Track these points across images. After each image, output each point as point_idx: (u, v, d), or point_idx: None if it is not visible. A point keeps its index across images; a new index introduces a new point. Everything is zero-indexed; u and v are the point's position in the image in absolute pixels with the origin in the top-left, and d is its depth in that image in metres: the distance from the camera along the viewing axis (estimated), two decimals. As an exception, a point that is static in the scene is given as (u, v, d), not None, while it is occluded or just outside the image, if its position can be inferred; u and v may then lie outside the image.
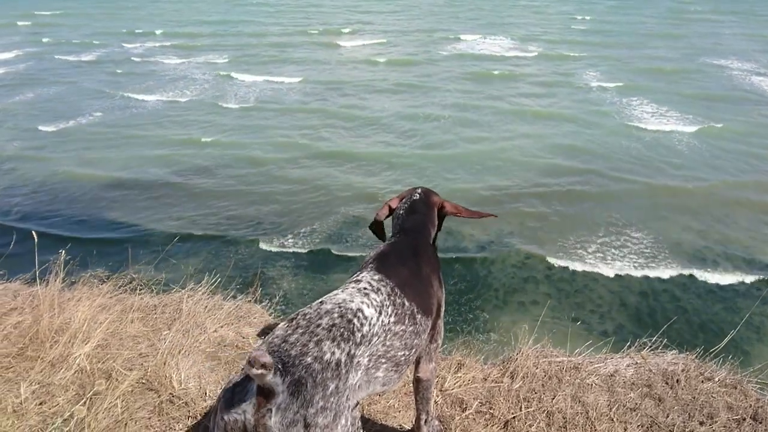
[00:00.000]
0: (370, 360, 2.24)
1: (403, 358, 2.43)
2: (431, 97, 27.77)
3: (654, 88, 29.57)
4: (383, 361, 2.34)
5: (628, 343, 4.09)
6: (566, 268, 13.59)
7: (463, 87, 29.52)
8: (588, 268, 13.55)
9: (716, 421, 3.41)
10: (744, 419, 3.45)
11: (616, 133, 23.02)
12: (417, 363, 2.83)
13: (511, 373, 3.74)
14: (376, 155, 20.63)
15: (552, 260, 13.80)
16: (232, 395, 1.95)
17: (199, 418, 3.28)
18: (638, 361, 3.88)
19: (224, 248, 14.32)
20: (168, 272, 5.04)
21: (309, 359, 1.95)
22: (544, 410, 3.46)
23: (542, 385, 3.65)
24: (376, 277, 2.49)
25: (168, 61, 37.20)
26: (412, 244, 2.84)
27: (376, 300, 2.34)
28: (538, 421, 3.39)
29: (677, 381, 3.72)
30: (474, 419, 3.42)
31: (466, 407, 3.49)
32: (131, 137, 22.77)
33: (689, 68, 33.70)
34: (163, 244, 11.08)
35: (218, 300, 4.36)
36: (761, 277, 13.17)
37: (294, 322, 2.11)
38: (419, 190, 3.15)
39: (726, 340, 4.18)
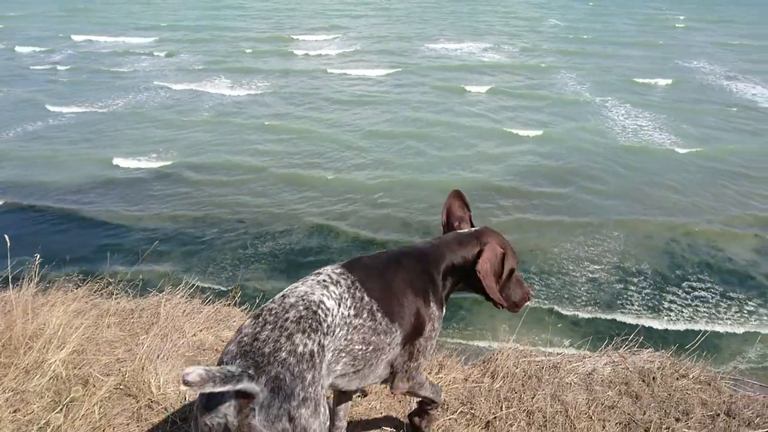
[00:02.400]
0: (332, 354, 2.24)
1: (360, 353, 2.39)
2: (393, 112, 26.51)
3: (634, 99, 29.99)
4: (343, 355, 2.32)
5: (606, 342, 4.14)
6: (545, 269, 13.75)
7: (432, 99, 28.84)
8: (565, 269, 13.72)
9: (691, 417, 3.47)
10: (718, 415, 3.51)
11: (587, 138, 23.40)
12: (393, 377, 2.66)
13: (491, 373, 3.76)
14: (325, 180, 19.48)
15: (530, 261, 13.95)
16: (208, 400, 1.92)
17: (178, 423, 3.23)
18: (616, 360, 3.93)
19: (203, 252, 14.19)
20: (145, 276, 4.97)
21: (284, 354, 1.96)
22: (525, 410, 3.48)
23: (522, 384, 3.67)
24: (337, 271, 2.47)
25: (123, 69, 35.58)
26: (398, 256, 2.71)
27: (335, 292, 2.32)
28: (518, 420, 3.41)
29: (653, 378, 3.78)
30: (456, 420, 3.42)
31: (447, 408, 3.49)
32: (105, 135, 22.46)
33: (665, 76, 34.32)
34: (141, 248, 10.95)
35: (197, 304, 4.31)
36: (732, 275, 13.47)
37: (260, 319, 2.10)
38: (475, 228, 2.94)
39: (700, 337, 4.26)
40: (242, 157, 20.55)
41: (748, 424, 3.46)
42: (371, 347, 2.43)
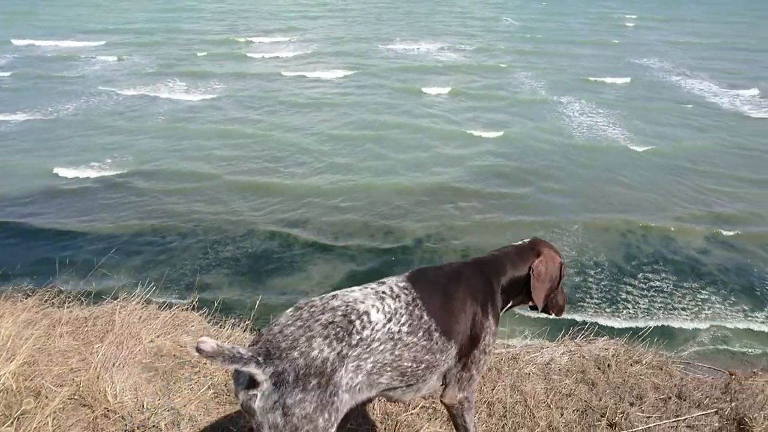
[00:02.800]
0: (374, 366, 2.28)
1: (409, 370, 2.42)
2: (352, 115, 26.32)
3: (596, 98, 30.76)
4: (388, 369, 2.35)
5: (563, 332, 4.27)
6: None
7: (391, 101, 28.72)
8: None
9: (645, 401, 3.63)
10: (670, 398, 3.68)
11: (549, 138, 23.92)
12: (445, 387, 2.72)
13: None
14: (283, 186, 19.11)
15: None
16: (236, 377, 2.16)
17: (136, 431, 3.19)
18: (572, 349, 4.06)
19: (158, 261, 13.91)
20: (99, 283, 4.87)
21: (296, 354, 2.07)
22: (485, 401, 3.57)
23: (483, 376, 3.76)
24: (401, 284, 2.49)
25: (70, 74, 34.31)
26: (461, 269, 2.75)
27: (390, 306, 2.36)
28: (480, 412, 3.50)
29: (608, 366, 3.94)
30: (418, 415, 3.49)
31: (410, 403, 3.55)
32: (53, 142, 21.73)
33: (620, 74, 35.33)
34: (93, 259, 10.65)
35: (153, 309, 4.26)
36: (685, 267, 13.98)
37: (298, 312, 2.23)
38: (528, 239, 3.00)
39: (654, 326, 4.43)
40: (197, 164, 20.16)
41: (698, 405, 3.64)
42: (423, 365, 2.47)
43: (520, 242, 2.98)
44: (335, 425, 2.17)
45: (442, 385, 2.70)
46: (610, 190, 18.50)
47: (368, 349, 2.25)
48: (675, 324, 11.76)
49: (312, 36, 47.09)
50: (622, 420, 3.45)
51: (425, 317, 2.43)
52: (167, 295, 4.60)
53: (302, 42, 44.28)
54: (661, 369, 3.96)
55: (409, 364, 2.41)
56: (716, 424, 3.48)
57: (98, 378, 3.47)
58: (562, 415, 3.49)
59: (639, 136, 23.43)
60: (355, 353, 2.20)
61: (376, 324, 2.28)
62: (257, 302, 4.54)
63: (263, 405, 2.06)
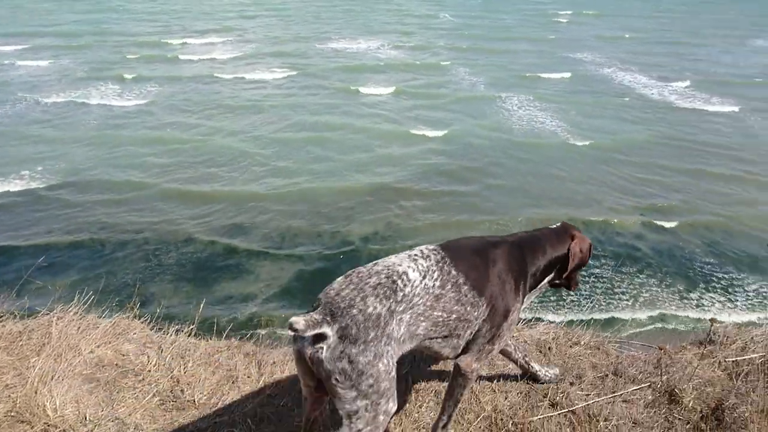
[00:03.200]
0: (411, 317, 2.63)
1: (440, 320, 2.76)
2: (292, 117, 26.00)
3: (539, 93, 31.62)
4: (422, 319, 2.69)
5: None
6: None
7: (332, 102, 28.67)
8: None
9: (584, 380, 3.83)
10: (607, 375, 3.90)
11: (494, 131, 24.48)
12: (464, 352, 3.01)
13: (399, 360, 3.93)
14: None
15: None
16: (298, 336, 2.47)
17: (79, 444, 3.15)
18: (515, 334, 4.23)
19: (96, 269, 13.45)
20: (33, 298, 4.73)
21: (355, 311, 2.44)
22: (432, 390, 3.69)
23: (428, 365, 3.88)
24: (431, 247, 2.88)
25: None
26: (499, 241, 3.08)
27: (422, 265, 2.73)
28: (427, 401, 3.62)
29: (549, 348, 4.14)
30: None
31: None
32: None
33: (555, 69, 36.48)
34: (25, 271, 10.19)
35: (93, 319, 4.17)
36: (623, 255, 14.63)
37: (348, 278, 2.58)
38: (560, 223, 3.42)
39: (593, 308, 4.67)
40: (132, 173, 19.51)
41: (633, 380, 3.87)
42: (453, 315, 2.80)
43: (553, 226, 3.36)
44: (393, 370, 2.54)
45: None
46: (551, 184, 19.10)
47: (410, 304, 2.61)
48: (615, 307, 12.33)
49: (249, 36, 46.49)
50: (563, 399, 3.63)
51: (453, 272, 2.78)
52: (107, 304, 4.49)
53: (239, 42, 43.66)
54: (599, 349, 4.19)
55: (440, 314, 2.75)
56: (650, 397, 3.71)
57: (36, 393, 3.39)
58: (506, 398, 3.65)
59: (577, 129, 24.31)
60: (400, 308, 2.57)
61: (414, 281, 2.65)
62: (201, 306, 4.52)
63: (330, 356, 2.40)
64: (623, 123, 25.78)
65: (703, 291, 13.12)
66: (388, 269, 2.63)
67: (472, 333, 2.92)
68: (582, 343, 4.21)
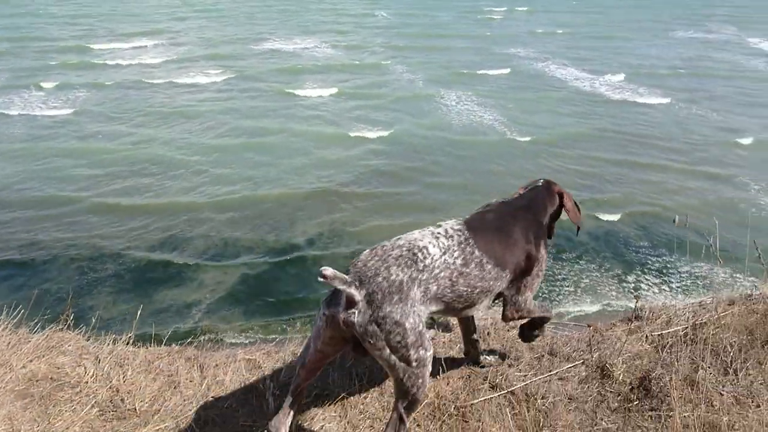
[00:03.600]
0: (437, 288, 2.99)
1: (465, 293, 3.14)
2: (228, 123, 25.35)
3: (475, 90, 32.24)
4: (448, 291, 3.05)
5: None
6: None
7: (270, 105, 28.33)
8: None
9: (522, 362, 4.04)
10: (543, 356, 4.12)
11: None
12: (503, 308, 3.55)
13: (342, 353, 4.03)
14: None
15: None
16: (330, 299, 2.87)
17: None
18: (454, 323, 4.40)
19: (25, 282, 12.87)
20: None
21: (380, 279, 2.79)
22: (375, 382, 3.80)
23: (371, 358, 3.98)
24: (456, 226, 3.23)
25: None
26: (516, 208, 3.56)
27: (444, 243, 3.08)
28: (370, 392, 3.73)
29: (488, 334, 4.33)
30: (312, 402, 3.64)
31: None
32: None
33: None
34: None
35: (24, 334, 4.06)
36: (564, 241, 15.16)
37: (374, 251, 2.94)
38: (542, 179, 3.83)
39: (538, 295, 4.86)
40: (59, 186, 18.62)
41: (567, 358, 4.10)
42: (477, 290, 3.20)
43: (539, 183, 3.78)
44: (419, 325, 2.85)
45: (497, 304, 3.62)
46: (491, 179, 19.50)
47: (432, 275, 2.96)
48: (557, 294, 12.82)
49: (181, 38, 45.39)
50: (503, 381, 3.82)
51: (477, 252, 3.15)
52: (39, 318, 4.36)
53: (171, 45, 42.57)
54: (535, 331, 4.40)
55: (465, 289, 3.13)
56: (583, 374, 3.95)
57: (-35, 413, 3.30)
58: (448, 383, 3.81)
59: (515, 124, 24.99)
60: (423, 277, 2.91)
61: (434, 255, 2.99)
62: (138, 313, 4.47)
63: (361, 320, 2.75)
64: (559, 117, 26.66)
65: (639, 274, 13.80)
66: (410, 243, 2.99)
67: (492, 296, 3.39)
68: (519, 326, 4.41)
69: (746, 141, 23.56)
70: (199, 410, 3.55)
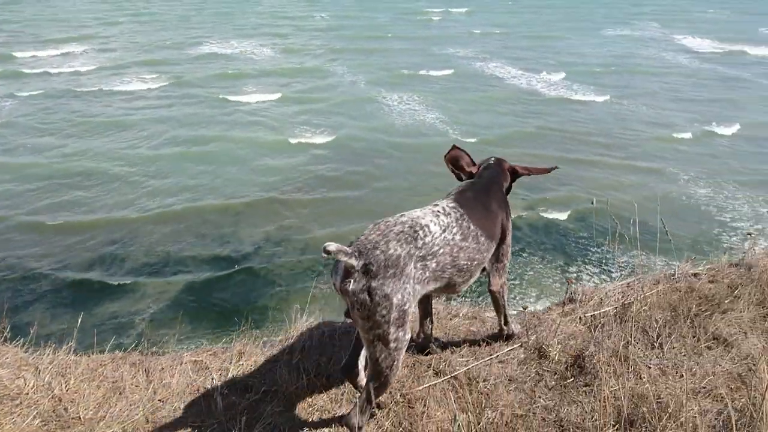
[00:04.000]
0: (437, 264, 3.19)
1: (465, 266, 3.39)
2: (165, 132, 24.60)
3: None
4: (449, 267, 3.28)
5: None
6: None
7: (208, 112, 27.74)
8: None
9: (463, 348, 4.23)
10: (484, 341, 4.33)
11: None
12: (489, 278, 3.91)
13: (289, 349, 4.13)
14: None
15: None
16: (335, 269, 3.02)
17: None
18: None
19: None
20: None
21: (377, 252, 2.93)
22: (323, 375, 3.92)
23: (320, 353, 4.10)
24: (451, 205, 3.46)
25: None
26: (487, 185, 3.85)
27: (444, 221, 3.29)
28: (318, 386, 3.84)
29: (431, 322, 4.49)
30: (260, 399, 3.73)
31: (252, 390, 3.78)
32: None
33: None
34: None
35: (-44, 348, 3.98)
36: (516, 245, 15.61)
37: (376, 226, 3.11)
38: (492, 158, 4.16)
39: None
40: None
41: (506, 343, 4.32)
42: (475, 262, 3.49)
43: (491, 161, 4.12)
44: (407, 304, 3.00)
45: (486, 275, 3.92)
46: (437, 180, 19.51)
47: (431, 252, 3.15)
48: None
49: (113, 44, 43.98)
50: (446, 367, 4.00)
51: (472, 227, 3.42)
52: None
53: (102, 51, 41.20)
54: (476, 318, 4.63)
55: (465, 262, 3.38)
56: (522, 356, 4.18)
57: None
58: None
59: (459, 125, 25.49)
60: (421, 254, 3.09)
61: (435, 233, 3.18)
62: (79, 320, 4.42)
63: (355, 288, 2.89)
64: (500, 116, 27.36)
65: (580, 264, 14.40)
66: (412, 221, 3.16)
67: (481, 269, 3.68)
68: (460, 314, 4.63)
69: (677, 135, 24.85)
70: (146, 414, 3.58)
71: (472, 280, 3.64)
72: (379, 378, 3.10)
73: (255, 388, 3.79)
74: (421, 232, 3.11)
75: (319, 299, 11.43)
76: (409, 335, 3.11)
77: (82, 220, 16.83)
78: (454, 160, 4.10)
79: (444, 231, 3.24)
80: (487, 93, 31.19)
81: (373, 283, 2.88)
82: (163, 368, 3.95)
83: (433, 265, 3.16)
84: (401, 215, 3.21)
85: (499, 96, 30.64)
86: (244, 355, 4.10)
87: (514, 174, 4.12)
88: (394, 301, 2.92)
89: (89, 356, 4.09)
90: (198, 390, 3.79)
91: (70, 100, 29.51)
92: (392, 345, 3.01)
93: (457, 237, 3.31)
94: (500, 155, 4.27)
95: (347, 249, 2.87)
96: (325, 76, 35.03)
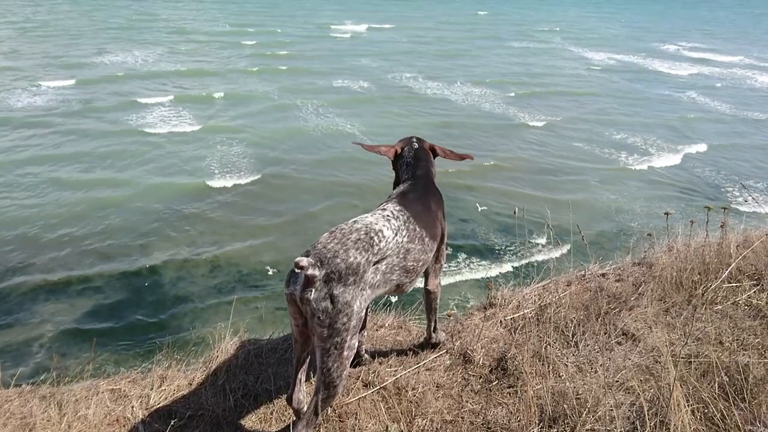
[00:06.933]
0: (387, 267, 3.30)
1: (412, 267, 3.50)
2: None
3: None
4: (397, 269, 3.39)
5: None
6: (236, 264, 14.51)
7: (103, 146, 26.55)
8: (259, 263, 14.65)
9: (390, 358, 4.32)
10: (410, 350, 4.44)
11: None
12: (426, 278, 4.06)
13: (214, 371, 4.07)
14: None
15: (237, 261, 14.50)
16: (289, 279, 3.04)
17: None
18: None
19: None
20: None
21: (338, 260, 2.98)
22: (250, 395, 3.89)
23: (245, 372, 4.06)
24: (398, 208, 3.54)
25: None
26: (424, 186, 3.92)
27: (394, 225, 3.38)
28: (246, 407, 3.80)
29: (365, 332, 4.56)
30: (185, 424, 3.64)
31: (176, 416, 3.69)
32: None
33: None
34: None
35: None
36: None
37: (333, 234, 3.13)
38: (415, 139, 4.21)
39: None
40: None
41: (432, 350, 4.45)
42: (421, 263, 3.61)
43: (415, 146, 4.16)
44: (363, 311, 3.11)
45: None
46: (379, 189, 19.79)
47: (384, 256, 3.24)
48: (419, 290, 13.45)
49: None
50: (375, 378, 4.07)
51: (418, 229, 3.53)
52: None
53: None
54: (401, 328, 4.74)
55: (412, 264, 3.50)
56: (448, 362, 4.32)
57: None
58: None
59: (376, 136, 25.71)
60: (376, 259, 3.17)
61: (389, 238, 3.28)
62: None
63: (317, 296, 2.93)
64: (417, 129, 27.83)
65: (499, 267, 14.88)
66: (366, 227, 3.21)
67: (424, 268, 3.79)
68: (386, 325, 4.73)
69: (578, 144, 26.21)
70: (61, 450, 3.41)
71: (418, 280, 3.77)
72: (329, 388, 3.12)
73: (179, 414, 3.70)
74: (376, 238, 3.20)
75: (243, 314, 11.27)
76: (357, 342, 3.20)
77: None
78: (373, 152, 4.19)
79: (396, 234, 3.34)
80: (403, 104, 31.60)
81: (335, 291, 2.94)
82: (77, 399, 3.76)
83: (384, 268, 3.28)
84: (354, 221, 3.28)
85: (413, 108, 31.12)
86: (165, 379, 3.99)
87: (434, 154, 4.24)
88: (355, 308, 3.01)
89: (-8, 393, 3.84)
90: (117, 420, 3.65)
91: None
92: (346, 353, 3.06)
93: (406, 239, 3.42)
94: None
95: (311, 260, 2.93)
96: (233, 80, 34.34)
